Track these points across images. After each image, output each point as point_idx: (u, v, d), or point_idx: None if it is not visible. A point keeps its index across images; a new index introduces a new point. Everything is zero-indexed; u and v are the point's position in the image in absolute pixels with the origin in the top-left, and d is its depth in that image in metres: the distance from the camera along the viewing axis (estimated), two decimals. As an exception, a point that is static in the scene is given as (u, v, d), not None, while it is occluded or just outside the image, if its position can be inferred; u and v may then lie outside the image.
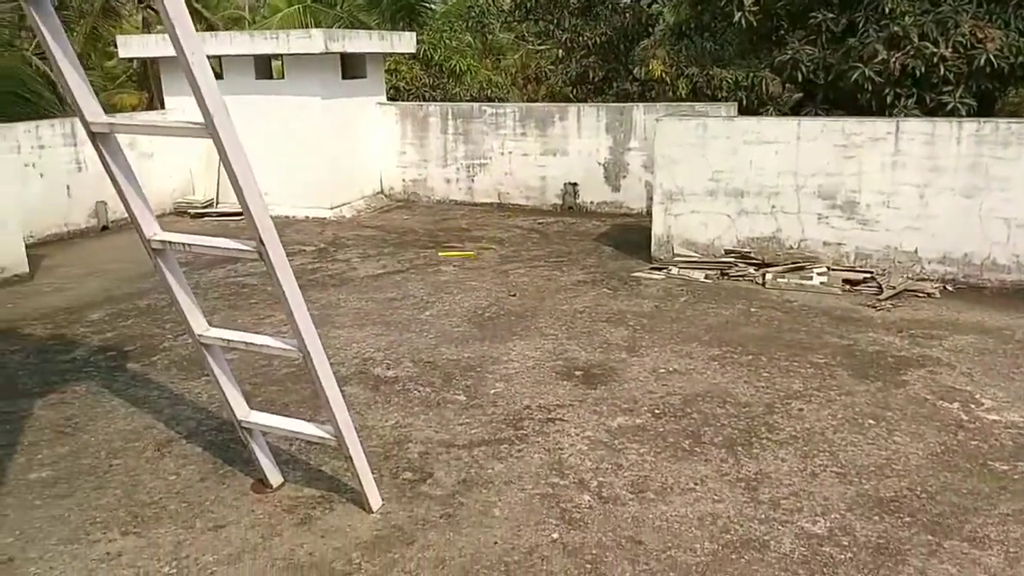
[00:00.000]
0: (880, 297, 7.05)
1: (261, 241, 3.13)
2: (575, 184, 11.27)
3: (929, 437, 4.59)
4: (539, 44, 18.28)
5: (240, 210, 3.06)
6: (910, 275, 7.40)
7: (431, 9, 19.30)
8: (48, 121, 10.03)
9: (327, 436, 3.76)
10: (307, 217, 10.96)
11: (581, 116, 11.11)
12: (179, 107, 11.31)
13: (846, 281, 7.40)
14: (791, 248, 7.81)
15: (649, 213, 9.06)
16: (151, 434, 4.77)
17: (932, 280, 7.33)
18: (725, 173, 7.88)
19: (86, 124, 3.11)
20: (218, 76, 11.27)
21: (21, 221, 8.30)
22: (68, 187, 9.96)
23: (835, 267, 7.59)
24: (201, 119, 2.90)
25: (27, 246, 8.40)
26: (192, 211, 11.29)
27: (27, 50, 14.96)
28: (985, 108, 10.39)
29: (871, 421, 4.80)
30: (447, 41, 17.01)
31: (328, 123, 10.90)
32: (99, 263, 8.73)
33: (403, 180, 12.23)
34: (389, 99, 12.90)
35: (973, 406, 4.98)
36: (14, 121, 10.28)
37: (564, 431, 4.69)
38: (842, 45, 10.42)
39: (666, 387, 5.29)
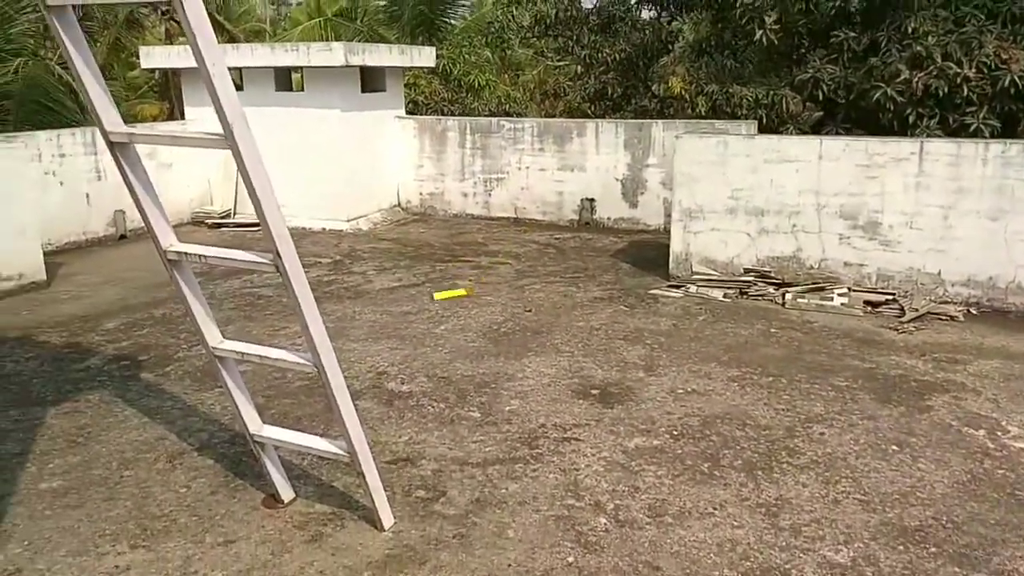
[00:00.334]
0: (902, 320, 6.93)
1: (278, 253, 3.09)
2: (592, 200, 11.22)
3: (954, 464, 4.48)
4: (558, 60, 18.30)
5: (257, 221, 3.02)
6: (933, 298, 7.28)
7: (451, 24, 19.38)
8: (69, 130, 10.09)
9: (340, 452, 3.71)
10: (324, 229, 10.96)
11: (599, 132, 11.07)
12: (200, 118, 11.37)
13: (867, 303, 7.29)
14: (811, 268, 7.71)
15: (667, 230, 8.99)
16: (163, 445, 4.74)
17: (955, 303, 7.21)
18: (745, 191, 7.81)
19: (105, 134, 3.09)
20: (239, 88, 11.33)
21: (40, 229, 8.33)
22: (87, 195, 10.01)
23: (856, 288, 7.49)
24: (220, 130, 2.87)
25: (45, 253, 8.43)
26: (210, 221, 11.33)
27: (51, 60, 15.11)
28: (1009, 130, 10.26)
29: (894, 447, 4.69)
30: (466, 56, 17.06)
31: (347, 136, 10.92)
32: (116, 272, 8.75)
33: (420, 193, 12.23)
34: (408, 113, 12.93)
35: (999, 433, 4.86)
36: (38, 130, 10.38)
37: (580, 451, 4.62)
38: (864, 64, 10.35)
39: (684, 408, 5.20)
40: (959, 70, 9.39)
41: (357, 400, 5.23)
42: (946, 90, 9.52)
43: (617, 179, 11.06)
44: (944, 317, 6.99)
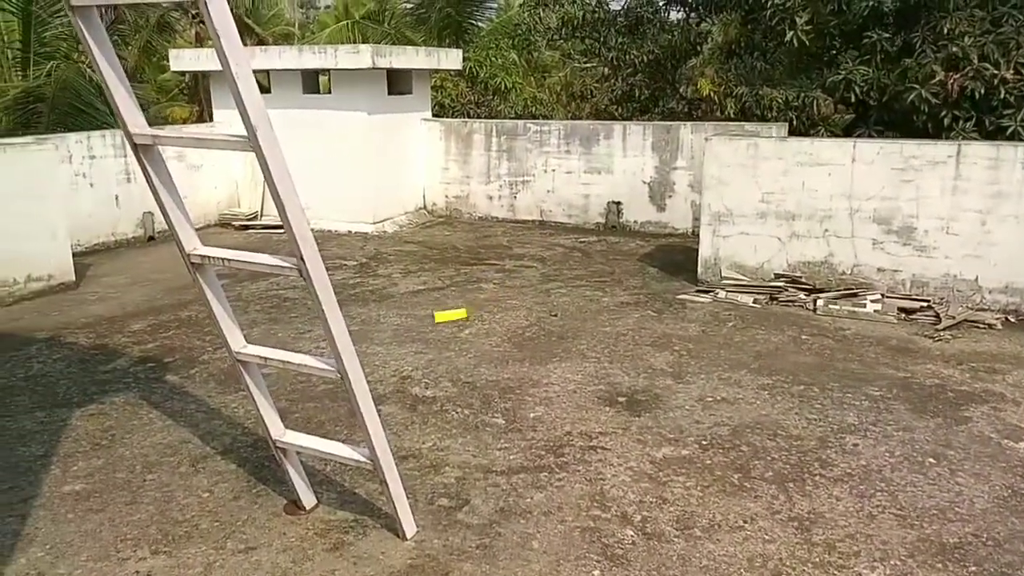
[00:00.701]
0: (938, 327, 6.75)
1: (301, 258, 3.04)
2: (619, 203, 11.11)
3: (995, 479, 4.33)
4: (584, 62, 18.19)
5: (283, 224, 2.97)
6: (970, 305, 7.09)
7: (478, 27, 19.36)
8: (99, 132, 10.18)
9: (362, 459, 3.65)
10: (349, 231, 10.96)
11: (627, 134, 10.96)
12: (227, 120, 11.42)
13: (901, 310, 7.11)
14: (844, 274, 7.55)
15: (695, 234, 8.87)
16: (186, 449, 4.72)
17: (993, 311, 7.01)
18: (776, 195, 7.66)
19: (129, 135, 3.07)
20: (266, 90, 11.37)
21: (69, 230, 8.39)
22: (116, 197, 10.09)
23: (890, 295, 7.31)
24: (244, 132, 2.82)
25: (74, 255, 8.49)
26: (237, 223, 11.37)
27: (83, 63, 15.29)
28: (1048, 132, 10.02)
29: (931, 460, 4.55)
30: (493, 58, 17.02)
31: (373, 138, 10.91)
32: (144, 273, 8.80)
33: (445, 196, 12.19)
34: (434, 115, 12.90)
35: (1042, 447, 4.70)
36: (70, 132, 10.48)
37: (606, 460, 4.52)
38: (897, 65, 10.15)
39: (713, 417, 5.09)
40: (996, 71, 9.16)
41: (381, 405, 5.19)
42: (982, 92, 9.30)
43: (644, 182, 10.94)
44: (981, 325, 6.80)
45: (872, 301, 7.18)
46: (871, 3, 9.97)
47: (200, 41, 20.79)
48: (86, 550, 3.71)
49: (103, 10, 15.22)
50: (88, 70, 14.69)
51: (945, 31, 9.55)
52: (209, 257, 3.30)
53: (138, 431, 4.95)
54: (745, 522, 3.92)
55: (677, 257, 9.22)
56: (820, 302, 7.28)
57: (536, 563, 3.60)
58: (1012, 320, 6.93)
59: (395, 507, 3.71)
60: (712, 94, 11.91)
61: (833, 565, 3.58)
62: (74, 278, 8.29)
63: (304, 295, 7.52)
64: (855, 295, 7.32)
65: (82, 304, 7.66)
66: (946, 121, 9.68)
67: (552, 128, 11.49)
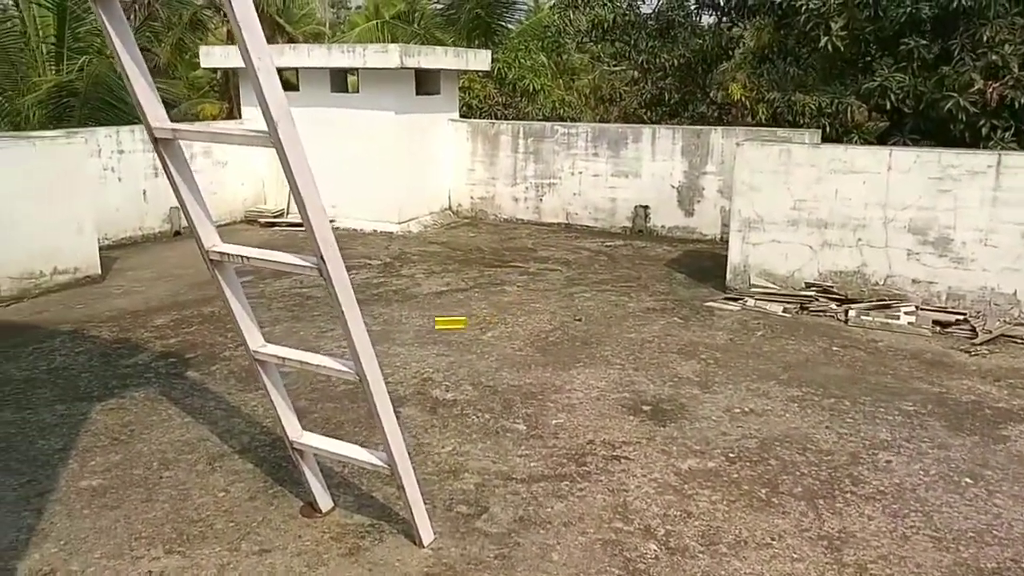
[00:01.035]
0: (975, 342, 6.55)
1: (322, 257, 2.97)
2: (646, 207, 10.98)
3: (1035, 502, 4.16)
4: (614, 65, 18.05)
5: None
6: (1008, 319, 6.87)
7: (507, 28, 19.28)
8: (128, 127, 10.23)
9: (380, 464, 3.57)
10: (374, 231, 10.92)
11: (656, 138, 10.83)
12: (255, 117, 11.39)
13: (936, 322, 6.92)
14: (876, 284, 7.36)
15: (724, 240, 8.72)
16: (204, 447, 4.67)
17: (1032, 326, 6.80)
18: (808, 202, 7.50)
19: (150, 129, 3.01)
20: (295, 88, 11.38)
21: (96, 224, 8.43)
22: (144, 192, 10.14)
23: (924, 307, 7.12)
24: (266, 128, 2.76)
25: (101, 248, 8.53)
26: (262, 220, 11.39)
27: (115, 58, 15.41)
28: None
29: (968, 480, 4.38)
30: (521, 60, 16.94)
31: (400, 138, 10.87)
32: (169, 268, 8.82)
33: (471, 197, 12.12)
34: (461, 116, 12.85)
35: (1084, 469, 4.51)
36: (100, 126, 10.55)
37: (630, 471, 4.41)
38: (935, 73, 9.92)
39: (741, 428, 4.95)
40: (1038, 80, 8.93)
41: (401, 407, 5.12)
42: (1023, 101, 9.06)
43: (673, 186, 10.80)
44: (1020, 340, 6.59)
45: (906, 313, 7.00)
46: (909, 9, 9.75)
47: (231, 39, 20.93)
48: (100, 547, 3.67)
49: (135, 6, 15.29)
50: (120, 65, 14.80)
51: (984, 39, 9.32)
52: (228, 254, 3.24)
53: (157, 427, 4.92)
54: (773, 539, 3.79)
55: (705, 263, 9.07)
56: (852, 313, 7.11)
57: (555, 576, 3.50)
58: (1052, 336, 6.71)
59: (412, 513, 3.63)
60: (743, 99, 11.76)
61: (864, 588, 3.45)
62: (100, 271, 8.32)
63: (327, 294, 7.47)
64: (888, 306, 7.13)
65: (107, 297, 7.68)
66: (984, 130, 9.46)
67: (580, 130, 11.38)
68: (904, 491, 4.24)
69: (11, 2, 15.98)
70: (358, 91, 11.08)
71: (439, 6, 20.50)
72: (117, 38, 2.84)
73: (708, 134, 10.58)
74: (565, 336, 6.67)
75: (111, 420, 5.01)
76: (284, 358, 3.54)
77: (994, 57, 9.17)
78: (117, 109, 13.76)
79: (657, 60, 13.29)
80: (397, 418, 3.50)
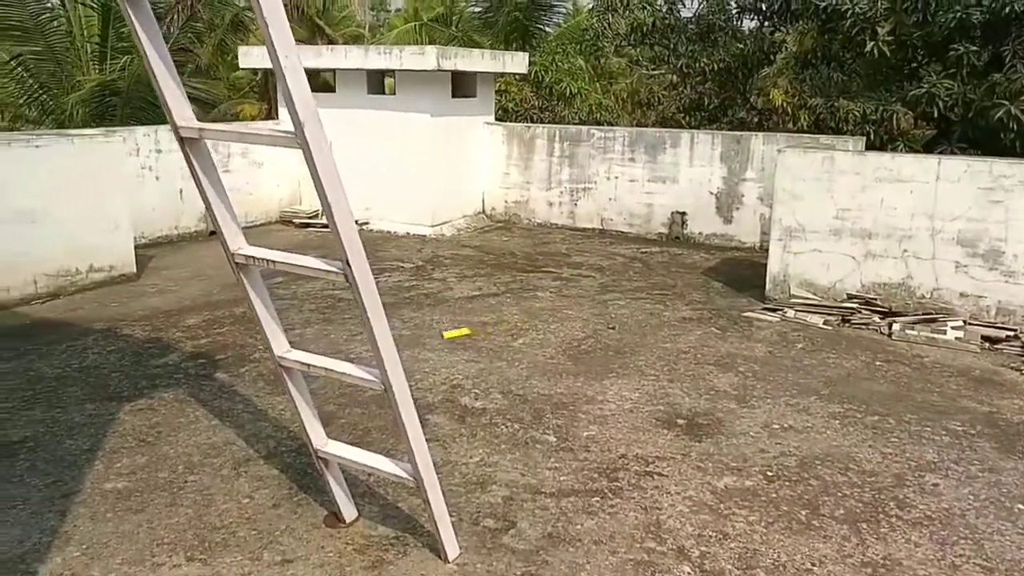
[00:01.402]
0: (1026, 359, 6.29)
1: (348, 262, 2.88)
2: (683, 213, 10.78)
3: (1094, 532, 3.93)
4: (652, 69, 17.84)
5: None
6: (1062, 336, 6.59)
7: (545, 31, 19.18)
8: (166, 125, 10.24)
9: (405, 476, 3.47)
10: (408, 233, 10.87)
11: (695, 143, 10.63)
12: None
13: (985, 338, 6.66)
14: (922, 297, 7.11)
15: (763, 248, 8.50)
16: (230, 451, 4.62)
17: (1088, 344, 6.51)
18: (852, 211, 7.27)
19: (176, 128, 2.95)
20: (331, 89, 11.39)
21: (133, 222, 8.47)
22: (181, 191, 10.18)
23: (973, 322, 6.85)
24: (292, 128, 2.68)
25: (136, 247, 8.57)
26: (297, 220, 11.40)
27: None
28: None
29: (1021, 506, 4.16)
30: (559, 63, 16.81)
31: (435, 140, 10.81)
32: (203, 267, 8.84)
33: (505, 201, 12.02)
34: (497, 119, 12.76)
35: None
36: (141, 125, 10.64)
37: (663, 488, 4.26)
38: (985, 80, 9.61)
39: (780, 446, 4.77)
40: (1095, 88, 8.59)
41: (429, 414, 5.03)
42: (1079, 110, 8.74)
43: (711, 193, 10.59)
44: (1075, 359, 6.31)
45: (953, 328, 6.74)
46: (958, 15, 9.45)
47: (271, 40, 21.08)
48: (121, 552, 3.62)
49: (178, 7, 15.44)
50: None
51: (1039, 44, 9.01)
52: (254, 258, 3.16)
53: (184, 429, 4.88)
54: (813, 564, 3.62)
55: (744, 272, 8.86)
56: (896, 326, 6.87)
57: (584, 597, 3.37)
58: (1109, 355, 6.41)
59: (437, 527, 3.52)
60: (785, 105, 11.51)
61: (911, 620, 3.27)
62: (135, 270, 8.36)
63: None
64: (934, 320, 6.88)
65: (141, 296, 7.70)
66: (1036, 140, 9.13)
67: (617, 135, 11.22)
68: (953, 516, 4.04)
69: (58, 2, 16.26)
70: (394, 93, 11.05)
71: (477, 9, 20.49)
72: (145, 37, 2.78)
73: (748, 140, 10.36)
74: (598, 344, 6.53)
75: (139, 421, 4.98)
76: (309, 364, 3.46)
77: (1049, 64, 8.86)
78: (158, 108, 13.86)
79: (697, 64, 13.06)
80: (424, 427, 3.40)
